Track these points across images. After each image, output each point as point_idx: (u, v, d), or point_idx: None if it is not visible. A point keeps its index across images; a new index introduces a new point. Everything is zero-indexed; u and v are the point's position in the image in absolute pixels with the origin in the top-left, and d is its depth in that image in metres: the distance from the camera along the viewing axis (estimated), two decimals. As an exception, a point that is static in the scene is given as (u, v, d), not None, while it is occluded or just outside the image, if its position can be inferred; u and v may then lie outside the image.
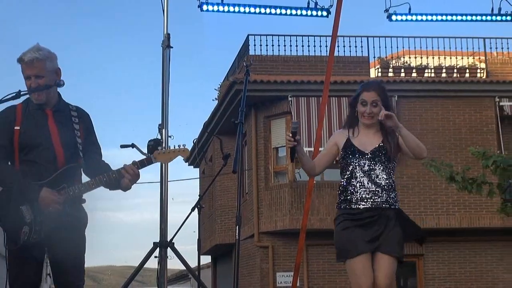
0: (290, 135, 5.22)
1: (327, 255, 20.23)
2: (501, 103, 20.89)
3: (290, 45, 21.23)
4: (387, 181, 5.37)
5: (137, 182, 4.98)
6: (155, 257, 6.22)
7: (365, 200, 5.30)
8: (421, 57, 21.63)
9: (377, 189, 5.31)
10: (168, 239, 6.26)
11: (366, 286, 5.27)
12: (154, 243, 6.20)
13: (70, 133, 4.95)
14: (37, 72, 4.89)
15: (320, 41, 21.11)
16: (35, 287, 4.91)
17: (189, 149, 5.16)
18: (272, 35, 21.28)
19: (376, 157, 5.37)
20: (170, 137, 6.28)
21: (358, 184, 5.34)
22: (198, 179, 29.72)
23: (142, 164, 4.98)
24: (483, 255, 20.84)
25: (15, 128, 4.91)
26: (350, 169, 5.38)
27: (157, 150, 5.09)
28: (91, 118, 5.15)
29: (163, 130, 6.31)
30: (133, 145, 5.27)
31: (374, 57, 21.61)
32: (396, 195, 5.43)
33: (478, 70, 21.72)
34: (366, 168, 5.34)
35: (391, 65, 21.63)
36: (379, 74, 21.43)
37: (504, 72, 21.64)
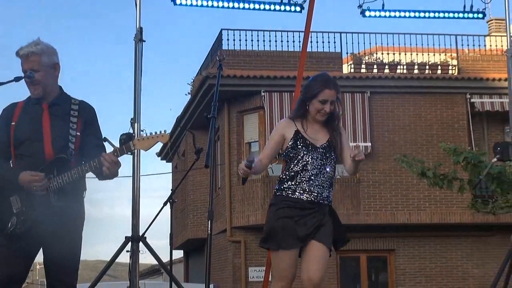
0: (246, 165, 5.13)
1: (299, 250, 20.29)
2: (472, 100, 21.04)
3: (264, 40, 21.23)
4: (332, 178, 5.38)
5: (118, 169, 4.96)
6: (127, 251, 6.19)
7: (309, 193, 5.27)
8: (394, 54, 21.73)
9: (323, 184, 5.31)
10: (140, 234, 6.24)
11: (290, 279, 5.33)
12: (126, 237, 6.17)
13: (63, 125, 4.96)
14: (32, 66, 4.95)
15: (293, 36, 21.14)
16: (18, 280, 4.88)
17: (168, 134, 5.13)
18: (246, 30, 21.28)
19: (327, 152, 5.37)
20: (143, 131, 6.22)
21: (307, 176, 5.29)
22: (171, 174, 29.66)
23: (122, 151, 4.96)
24: (454, 250, 21.00)
25: (12, 123, 4.99)
26: (302, 160, 5.31)
27: (137, 137, 5.06)
28: (96, 113, 5.19)
29: (136, 124, 6.27)
30: (105, 139, 5.23)
31: (347, 53, 21.69)
32: (333, 191, 5.46)
33: (450, 67, 21.85)
34: (318, 162, 5.32)
35: (364, 61, 21.71)
36: (352, 70, 21.50)
37: (475, 69, 21.79)
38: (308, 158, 5.31)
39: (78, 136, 4.99)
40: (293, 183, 5.31)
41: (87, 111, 5.12)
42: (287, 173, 5.37)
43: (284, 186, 5.34)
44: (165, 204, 7.93)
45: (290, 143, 5.36)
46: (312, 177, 5.30)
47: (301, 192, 5.28)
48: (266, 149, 5.48)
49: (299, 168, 5.32)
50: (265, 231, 5.36)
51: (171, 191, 8.18)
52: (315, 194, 5.28)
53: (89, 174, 5.04)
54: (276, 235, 5.27)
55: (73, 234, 4.95)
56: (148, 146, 5.07)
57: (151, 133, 5.06)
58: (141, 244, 6.21)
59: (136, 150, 5.60)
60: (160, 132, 5.07)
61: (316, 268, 5.22)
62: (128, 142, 5.03)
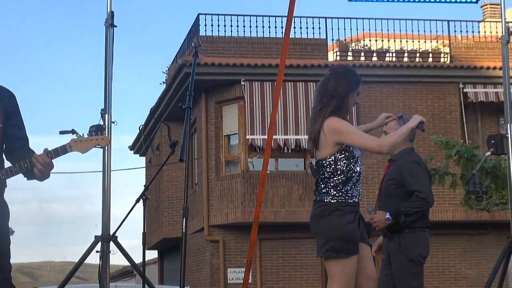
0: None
1: (281, 249, 20.34)
2: (465, 90, 21.14)
3: (244, 26, 21.20)
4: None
5: (51, 170, 4.91)
6: (97, 251, 6.17)
7: (359, 194, 5.46)
8: (382, 40, 21.78)
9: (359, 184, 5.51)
10: (111, 233, 6.22)
11: (354, 285, 5.38)
12: (95, 236, 6.15)
13: None
14: None
15: (276, 22, 21.13)
16: None
17: (108, 138, 5.09)
18: (224, 14, 21.24)
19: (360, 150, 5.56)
20: (114, 123, 6.21)
21: (356, 177, 5.44)
22: (144, 169, 29.61)
23: (56, 153, 4.90)
24: (446, 250, 21.11)
25: None
26: (358, 160, 5.46)
27: (73, 138, 5.01)
28: (17, 98, 5.00)
29: (106, 115, 6.24)
30: (73, 131, 5.20)
31: (333, 40, 21.72)
32: None
33: (442, 55, 21.93)
34: (360, 162, 5.49)
35: (351, 49, 21.74)
36: (338, 58, 21.54)
37: (468, 57, 21.88)
38: (357, 158, 5.48)
39: (0, 127, 4.86)
40: (350, 185, 5.42)
41: (8, 99, 4.96)
42: (348, 174, 5.42)
43: (343, 190, 5.41)
44: (137, 201, 7.91)
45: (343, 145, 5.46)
46: (358, 178, 5.48)
47: (357, 194, 5.45)
48: (365, 135, 5.51)
49: (357, 169, 5.46)
50: (337, 241, 5.30)
51: (144, 187, 8.16)
52: (360, 196, 5.50)
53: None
54: (349, 243, 5.30)
55: (4, 233, 4.91)
56: (86, 149, 5.01)
57: (89, 135, 5.02)
58: (112, 244, 6.19)
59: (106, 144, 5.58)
60: (100, 134, 5.04)
61: (372, 266, 5.52)
62: (98, 135, 5.01)
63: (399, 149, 6.81)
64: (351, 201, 5.37)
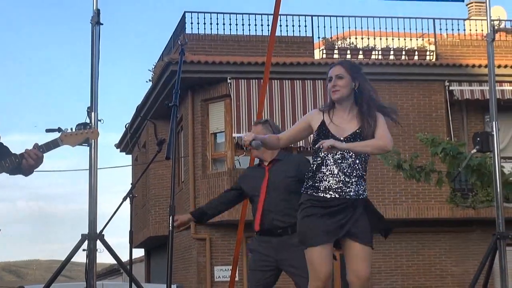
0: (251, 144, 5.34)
1: (268, 247, 20.32)
2: (450, 88, 21.19)
3: (230, 24, 21.19)
4: (358, 172, 5.37)
5: (40, 166, 4.92)
6: (84, 250, 6.17)
7: (333, 190, 5.30)
8: (368, 38, 21.80)
9: (347, 179, 5.32)
10: (97, 231, 6.22)
11: (323, 275, 5.32)
12: (82, 235, 6.15)
13: None
14: None
15: (262, 20, 21.12)
16: None
17: (98, 132, 5.10)
18: (211, 12, 21.23)
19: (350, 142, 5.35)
20: (100, 121, 6.21)
21: (328, 172, 5.32)
22: (131, 167, 29.55)
23: (48, 147, 4.91)
24: (432, 247, 21.17)
25: None
26: (321, 155, 5.33)
27: (63, 132, 5.02)
28: None
29: (93, 113, 6.24)
30: (59, 129, 5.20)
31: (319, 38, 21.71)
32: (365, 184, 5.48)
33: (428, 53, 21.98)
34: (338, 156, 5.31)
35: (337, 46, 21.76)
36: (324, 56, 21.55)
37: (454, 55, 21.94)
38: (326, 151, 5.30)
39: None
40: (316, 180, 5.35)
41: None
42: (310, 168, 5.42)
43: (309, 184, 5.39)
44: (124, 199, 7.91)
45: (314, 135, 5.42)
46: (334, 173, 5.32)
47: (324, 189, 5.32)
48: (289, 130, 5.60)
49: (319, 162, 5.35)
50: (297, 233, 5.44)
51: (131, 186, 8.15)
52: (339, 190, 5.31)
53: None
54: (305, 235, 5.32)
55: None
56: (76, 142, 5.03)
57: (79, 129, 5.03)
58: (98, 242, 6.19)
59: (92, 141, 5.58)
60: (90, 127, 5.05)
61: (360, 267, 5.40)
62: (56, 138, 5.01)
63: (277, 151, 6.64)
64: (317, 195, 5.32)
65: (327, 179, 5.31)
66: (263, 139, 5.37)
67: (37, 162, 4.84)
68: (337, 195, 5.29)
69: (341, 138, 5.29)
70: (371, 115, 5.37)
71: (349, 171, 5.33)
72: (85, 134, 5.01)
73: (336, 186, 5.30)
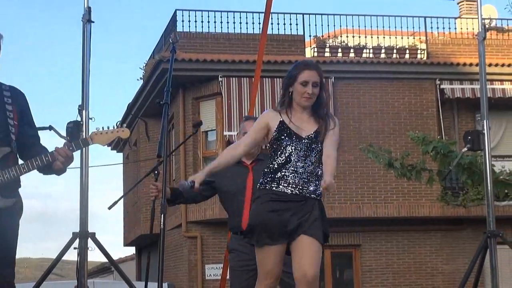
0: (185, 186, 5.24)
1: (259, 245, 20.34)
2: (442, 86, 21.22)
3: (221, 22, 21.19)
4: (318, 170, 5.35)
5: (71, 163, 4.94)
6: (75, 248, 6.16)
7: (294, 186, 5.28)
8: (359, 37, 21.82)
9: (309, 177, 5.31)
10: (88, 229, 6.21)
11: (275, 277, 5.33)
12: (73, 233, 6.14)
13: (1, 115, 4.90)
14: None
15: (253, 18, 21.12)
16: None
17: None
18: (202, 10, 21.24)
19: (313, 143, 5.36)
20: (91, 119, 6.20)
21: (291, 168, 5.31)
22: (122, 165, 29.52)
23: (78, 146, 4.93)
24: (422, 245, 21.21)
25: None
26: (285, 151, 5.32)
27: (94, 131, 5.04)
28: (27, 98, 5.11)
29: (84, 111, 6.22)
30: (50, 127, 5.20)
31: (310, 36, 21.72)
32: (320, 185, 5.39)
33: (419, 51, 22.01)
34: (302, 153, 5.32)
35: (328, 45, 21.77)
36: (315, 54, 21.55)
37: (445, 53, 21.97)
38: (291, 149, 5.32)
39: (16, 125, 4.93)
40: (277, 176, 5.32)
41: (20, 98, 5.06)
42: (270, 165, 5.38)
43: (268, 179, 5.35)
44: (148, 174, 7.43)
45: (274, 134, 5.37)
46: (297, 169, 5.31)
47: (285, 185, 5.29)
48: (247, 136, 5.55)
49: (282, 160, 5.33)
50: (248, 225, 5.37)
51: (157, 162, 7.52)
52: (300, 187, 5.29)
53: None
54: (261, 230, 5.26)
55: (11, 230, 4.92)
56: (107, 141, 5.05)
57: (108, 127, 5.05)
58: (90, 240, 6.18)
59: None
60: (120, 126, 5.06)
61: (309, 263, 5.20)
62: (74, 133, 5.01)
63: (257, 152, 6.62)
64: (277, 190, 5.31)
65: (290, 175, 5.29)
66: (208, 171, 5.35)
67: (67, 160, 4.85)
68: (297, 192, 5.28)
69: (303, 136, 5.34)
70: (327, 118, 5.43)
71: (312, 169, 5.33)
72: (116, 133, 5.03)
73: (298, 182, 5.29)
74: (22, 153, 5.00)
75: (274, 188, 5.30)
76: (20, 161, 4.99)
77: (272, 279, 5.32)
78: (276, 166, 5.34)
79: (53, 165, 4.88)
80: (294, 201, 5.27)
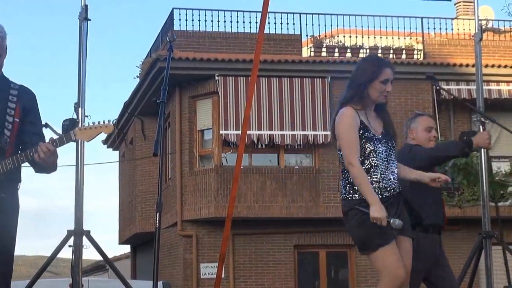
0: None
1: (254, 245, 20.35)
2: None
3: (218, 21, 21.19)
4: (397, 168, 5.35)
5: (55, 160, 4.93)
6: (69, 246, 6.15)
7: (383, 189, 5.22)
8: (356, 37, 21.83)
9: (392, 177, 5.28)
10: (83, 227, 6.20)
11: (404, 275, 5.16)
12: (68, 231, 6.14)
13: (0, 112, 4.93)
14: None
15: (250, 17, 21.13)
16: None
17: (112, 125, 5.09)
18: (199, 9, 21.22)
19: (388, 141, 5.32)
20: (87, 116, 6.21)
21: (379, 172, 5.23)
22: (118, 163, 29.50)
23: (61, 141, 4.92)
24: (417, 245, 21.20)
25: None
26: (368, 155, 5.23)
27: (78, 126, 5.03)
28: (37, 98, 5.16)
29: (80, 109, 6.23)
30: (46, 125, 5.19)
31: (307, 36, 21.73)
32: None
33: (415, 51, 22.02)
34: (384, 155, 5.26)
35: (325, 44, 21.77)
36: (312, 54, 21.56)
37: (442, 54, 21.98)
38: (374, 151, 5.23)
39: (17, 122, 4.96)
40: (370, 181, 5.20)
41: (27, 97, 5.09)
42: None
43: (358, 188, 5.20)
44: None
45: (359, 133, 5.26)
46: (383, 172, 5.24)
47: (379, 191, 5.20)
48: (354, 144, 5.24)
49: (367, 163, 5.23)
50: (360, 241, 5.24)
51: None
52: (389, 189, 5.23)
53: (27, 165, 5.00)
54: (373, 237, 5.14)
55: (7, 228, 4.91)
56: (91, 137, 5.03)
57: (93, 123, 5.03)
58: (84, 238, 6.17)
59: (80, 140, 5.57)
60: (104, 121, 5.04)
61: (408, 264, 5.26)
62: (69, 130, 5.00)
63: None
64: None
65: (379, 180, 5.22)
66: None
67: (48, 155, 4.84)
68: (388, 194, 5.22)
69: (380, 136, 5.28)
70: (387, 113, 5.47)
71: (394, 168, 5.30)
72: (100, 129, 5.01)
73: (386, 185, 5.23)
74: (22, 150, 5.01)
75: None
76: None
77: (402, 278, 5.18)
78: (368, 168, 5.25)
79: (35, 160, 4.89)
80: (385, 202, 5.17)
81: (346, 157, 5.21)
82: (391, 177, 5.26)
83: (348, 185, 5.26)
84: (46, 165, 4.92)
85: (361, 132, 5.24)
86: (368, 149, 5.22)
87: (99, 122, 5.04)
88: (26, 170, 5.14)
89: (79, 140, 6.09)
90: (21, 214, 5.08)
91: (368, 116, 5.32)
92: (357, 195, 5.19)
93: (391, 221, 5.07)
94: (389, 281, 5.15)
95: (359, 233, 5.21)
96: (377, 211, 5.02)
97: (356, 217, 5.19)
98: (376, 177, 5.22)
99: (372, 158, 5.23)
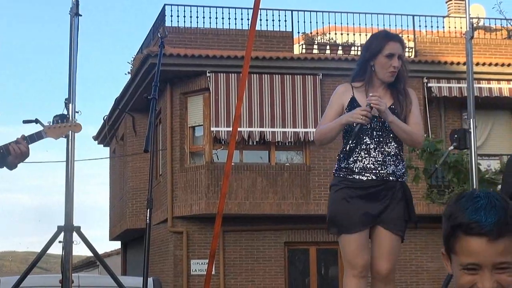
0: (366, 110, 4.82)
1: (245, 241, 20.35)
2: (429, 84, 21.26)
3: (210, 17, 21.18)
4: (396, 151, 5.07)
5: (25, 159, 4.92)
6: (60, 242, 6.13)
7: (369, 171, 4.98)
8: (348, 34, 21.84)
9: (385, 159, 5.01)
10: (74, 223, 6.18)
11: (360, 266, 5.03)
12: (58, 227, 6.12)
13: None
14: None
15: (242, 14, 21.13)
16: None
17: (81, 125, 5.10)
18: (191, 5, 21.21)
19: (384, 122, 5.01)
20: (78, 112, 6.17)
21: (363, 152, 4.99)
22: (108, 159, 29.45)
23: (32, 138, 4.91)
24: (407, 243, 21.19)
25: None
26: (353, 134, 4.97)
27: (47, 125, 5.03)
28: None
29: (70, 105, 6.20)
30: (36, 121, 5.18)
31: (299, 33, 21.74)
32: (404, 166, 5.16)
33: (406, 49, 21.94)
34: (375, 134, 5.01)
35: (316, 42, 21.78)
36: (303, 51, 21.57)
37: (433, 52, 22.01)
38: (361, 126, 4.93)
39: None
40: (350, 160, 5.00)
41: None
42: (344, 150, 5.06)
43: (342, 165, 5.04)
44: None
45: (345, 112, 5.04)
46: (370, 153, 4.99)
47: (360, 171, 4.98)
48: (327, 119, 5.08)
49: (352, 141, 4.98)
50: (327, 216, 5.09)
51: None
52: (376, 172, 4.98)
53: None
54: (340, 220, 4.99)
55: None
56: (59, 135, 5.06)
57: (62, 122, 5.04)
58: (75, 234, 6.16)
59: (70, 133, 5.55)
60: (73, 121, 5.06)
61: (384, 259, 5.10)
62: (40, 130, 5.00)
63: None
64: (351, 177, 4.98)
65: (363, 160, 4.99)
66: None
67: (24, 153, 4.83)
68: (373, 177, 4.98)
69: (376, 114, 4.96)
70: (405, 93, 5.12)
71: (387, 149, 5.03)
72: (68, 128, 5.02)
73: (373, 167, 4.98)
74: None
75: (348, 175, 5.01)
76: None
77: (358, 268, 5.08)
78: (347, 150, 5.04)
79: (6, 157, 4.86)
80: (371, 187, 4.99)
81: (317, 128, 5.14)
82: (381, 159, 5.02)
83: (337, 163, 5.11)
84: (15, 163, 4.91)
85: (348, 108, 5.04)
86: (355, 124, 4.91)
87: (67, 121, 5.05)
88: (25, 169, 5.12)
89: (69, 137, 6.07)
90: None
91: (370, 92, 5.03)
92: (340, 173, 5.05)
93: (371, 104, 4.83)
94: (347, 268, 5.12)
95: (330, 211, 5.07)
96: (351, 115, 4.87)
97: (334, 194, 5.07)
98: (361, 155, 5.01)
99: (359, 134, 4.98)
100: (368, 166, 4.99)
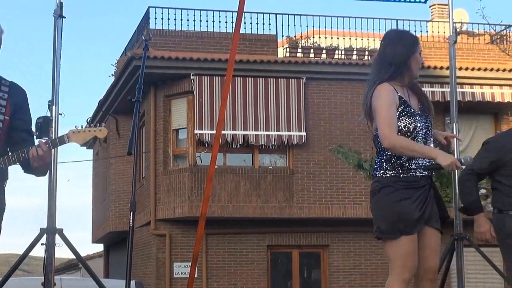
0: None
1: (228, 244, 20.34)
2: (412, 88, 21.31)
3: (194, 20, 21.17)
4: (433, 145, 5.19)
5: (47, 165, 4.92)
6: (42, 244, 6.11)
7: (423, 167, 5.03)
8: (332, 38, 21.88)
9: None
10: (56, 225, 6.17)
11: (414, 268, 4.99)
12: (41, 229, 6.10)
13: None
14: None
15: (226, 17, 21.13)
16: None
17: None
18: (175, 8, 21.21)
19: (426, 117, 5.17)
20: (61, 114, 6.16)
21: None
22: (91, 161, 29.38)
23: (54, 143, 4.91)
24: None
25: None
26: (409, 130, 5.04)
27: (71, 129, 5.02)
28: (28, 96, 5.16)
29: (53, 107, 6.18)
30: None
31: (283, 36, 21.76)
32: None
33: (389, 54, 22.06)
34: (424, 130, 5.11)
35: (300, 45, 21.82)
36: (287, 54, 21.60)
37: (416, 56, 22.05)
38: (414, 126, 5.06)
39: (7, 120, 4.93)
40: (405, 158, 5.00)
41: (18, 94, 5.08)
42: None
43: (396, 164, 5.02)
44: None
45: (399, 109, 5.08)
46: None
47: (417, 167, 5.01)
48: (394, 121, 5.01)
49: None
50: (385, 220, 5.03)
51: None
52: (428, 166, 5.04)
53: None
54: (398, 223, 4.94)
55: None
56: (83, 140, 5.04)
57: (87, 126, 5.04)
58: (57, 236, 6.14)
59: (53, 135, 5.54)
60: (98, 125, 5.05)
61: (435, 256, 5.10)
62: (43, 128, 4.99)
63: None
64: (408, 175, 5.00)
65: (416, 160, 5.04)
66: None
67: (41, 156, 4.81)
68: (426, 173, 5.05)
69: (419, 112, 5.15)
70: (421, 90, 5.30)
71: (430, 143, 5.18)
72: (93, 132, 5.01)
73: (424, 163, 5.04)
74: (11, 147, 5.00)
75: (404, 174, 5.03)
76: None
77: (412, 271, 5.02)
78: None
79: (30, 163, 4.88)
80: (422, 186, 5.04)
81: (382, 131, 4.96)
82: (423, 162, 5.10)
83: (384, 162, 5.07)
84: (38, 170, 4.91)
85: (402, 107, 5.09)
86: (411, 126, 5.05)
87: (92, 125, 5.05)
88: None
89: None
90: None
91: (405, 90, 5.16)
92: (392, 172, 5.02)
93: (462, 161, 5.03)
94: (397, 273, 5.00)
95: (387, 213, 5.01)
96: (445, 159, 4.89)
97: (391, 195, 5.00)
98: (407, 157, 5.04)
99: (414, 135, 5.06)
100: (421, 162, 5.05)
